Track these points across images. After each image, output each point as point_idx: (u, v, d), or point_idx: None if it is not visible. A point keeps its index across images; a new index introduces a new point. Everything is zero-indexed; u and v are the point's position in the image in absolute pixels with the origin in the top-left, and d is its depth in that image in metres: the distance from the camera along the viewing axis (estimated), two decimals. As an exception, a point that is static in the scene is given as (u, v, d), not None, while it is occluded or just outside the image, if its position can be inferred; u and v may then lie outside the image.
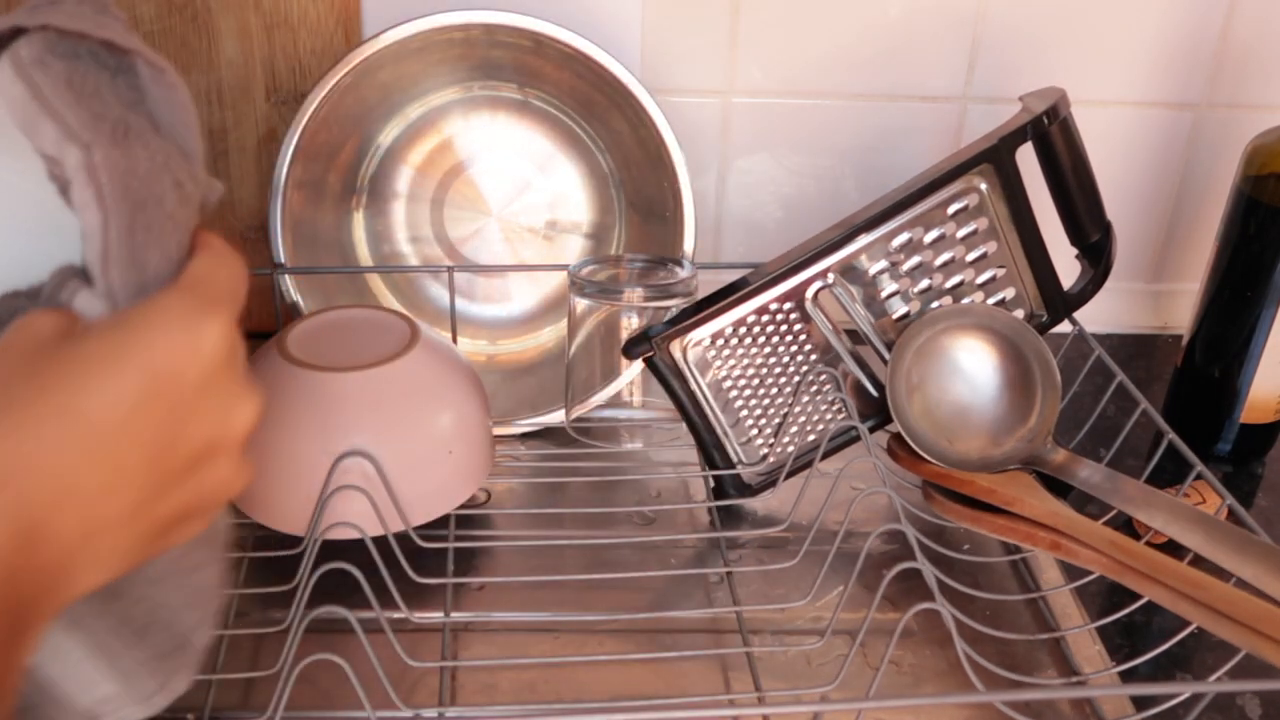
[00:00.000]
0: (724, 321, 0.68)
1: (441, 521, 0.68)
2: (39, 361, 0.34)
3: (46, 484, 0.32)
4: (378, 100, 0.77)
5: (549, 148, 0.82)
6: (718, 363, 0.69)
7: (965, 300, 0.70)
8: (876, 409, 0.70)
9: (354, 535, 0.58)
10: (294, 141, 0.73)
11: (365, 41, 0.72)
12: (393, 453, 0.60)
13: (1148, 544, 0.60)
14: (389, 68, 0.74)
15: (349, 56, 0.71)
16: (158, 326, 0.35)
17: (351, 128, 0.78)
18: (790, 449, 0.70)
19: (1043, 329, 0.71)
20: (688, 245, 0.76)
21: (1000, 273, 0.70)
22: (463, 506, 0.65)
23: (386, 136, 0.80)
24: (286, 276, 0.74)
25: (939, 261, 0.69)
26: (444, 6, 0.71)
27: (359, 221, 0.82)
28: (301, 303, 0.75)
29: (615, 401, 0.78)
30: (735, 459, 0.70)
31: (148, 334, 0.35)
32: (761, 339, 0.69)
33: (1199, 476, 0.64)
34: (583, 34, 0.72)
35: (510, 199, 0.82)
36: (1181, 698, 0.55)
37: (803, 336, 0.69)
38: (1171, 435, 0.66)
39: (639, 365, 0.72)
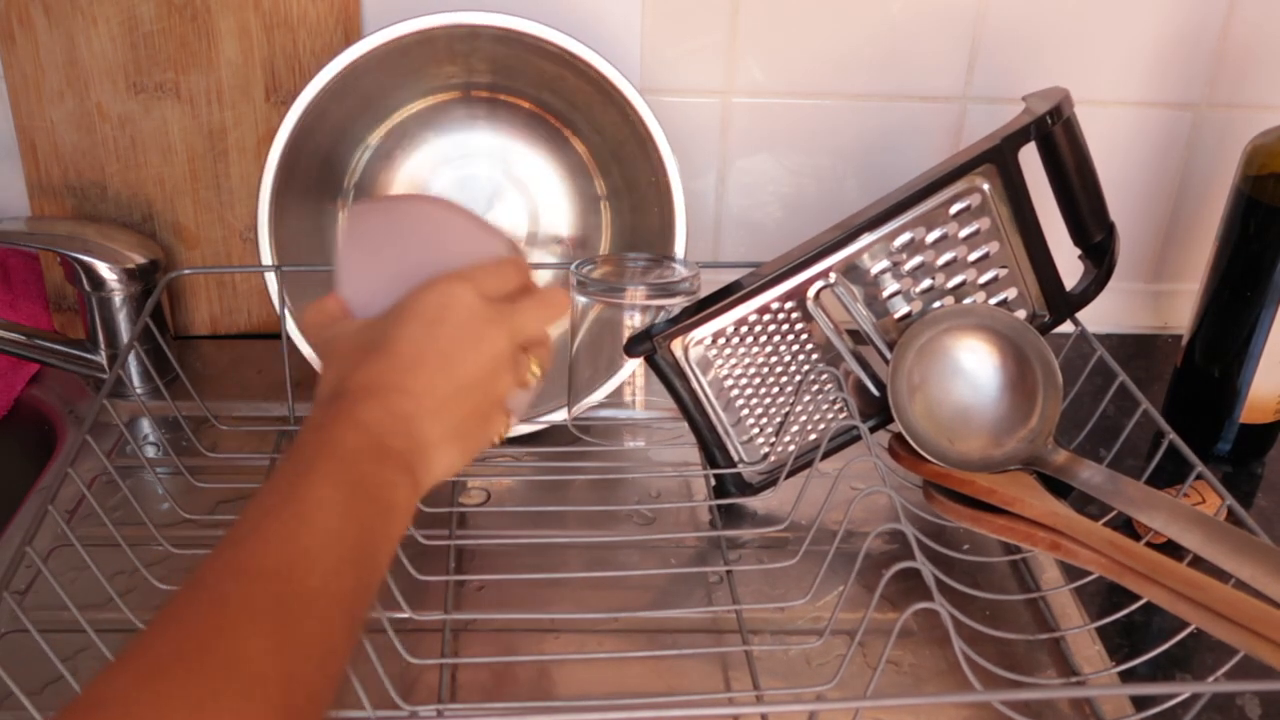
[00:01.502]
0: (726, 320, 0.68)
1: (442, 520, 0.68)
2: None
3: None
4: (367, 102, 0.77)
5: (540, 150, 0.81)
6: (719, 361, 0.69)
7: (967, 300, 0.70)
8: (878, 408, 0.70)
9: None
10: (282, 143, 0.72)
11: (358, 42, 0.72)
12: None
13: (1147, 545, 0.60)
14: (379, 69, 0.74)
15: (340, 56, 0.70)
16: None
17: (340, 129, 0.78)
18: (791, 448, 0.70)
19: (1045, 329, 0.71)
20: (679, 246, 0.76)
21: (1002, 273, 0.70)
22: (463, 506, 0.65)
23: (374, 137, 0.80)
24: (272, 278, 0.74)
25: (941, 261, 0.69)
26: (443, 7, 0.71)
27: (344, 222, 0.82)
28: (289, 303, 0.74)
29: (616, 400, 0.78)
30: (736, 458, 0.70)
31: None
32: (763, 338, 0.69)
33: (1199, 476, 0.64)
34: (583, 34, 0.72)
35: (494, 200, 0.82)
36: (1181, 698, 0.55)
37: (804, 336, 0.69)
38: (1172, 435, 0.66)
39: (640, 364, 0.72)
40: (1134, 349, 0.91)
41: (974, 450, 0.67)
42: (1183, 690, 0.55)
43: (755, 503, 0.73)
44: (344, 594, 0.40)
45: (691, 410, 0.69)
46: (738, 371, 0.69)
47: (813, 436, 0.71)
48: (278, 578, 0.38)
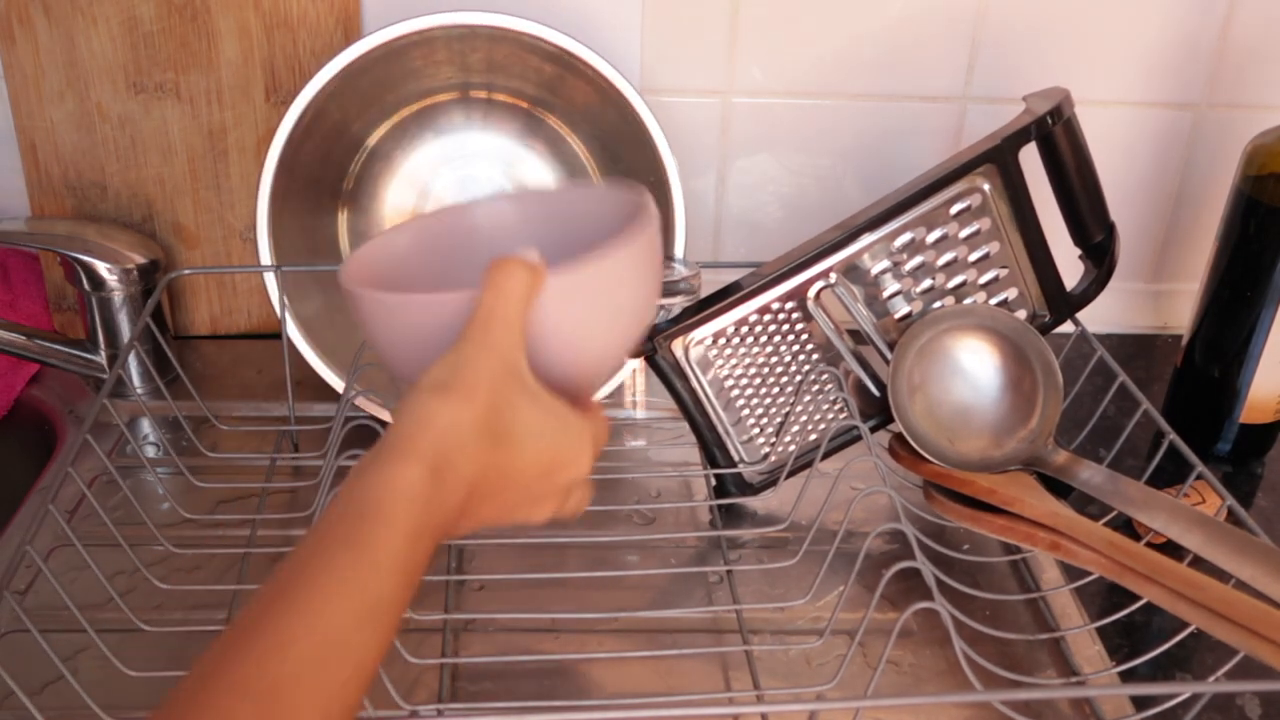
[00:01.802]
0: (726, 320, 0.68)
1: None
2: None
3: (452, 438, 0.42)
4: (366, 102, 0.77)
5: (539, 150, 0.81)
6: (719, 361, 0.69)
7: (968, 300, 0.70)
8: (878, 409, 0.70)
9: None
10: (281, 143, 0.72)
11: (357, 42, 0.72)
12: None
13: (1147, 545, 0.60)
14: (378, 69, 0.74)
15: (339, 56, 0.70)
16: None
17: (339, 129, 0.78)
18: (792, 448, 0.70)
19: (1045, 329, 0.71)
20: (678, 246, 0.76)
21: (1003, 273, 0.70)
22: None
23: (373, 138, 0.80)
24: (271, 277, 0.74)
25: (941, 261, 0.69)
26: (442, 7, 0.71)
27: (343, 222, 0.82)
28: (289, 303, 0.74)
29: (616, 400, 0.78)
30: (737, 458, 0.70)
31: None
32: (763, 338, 0.69)
33: (1199, 477, 0.64)
34: (582, 34, 0.72)
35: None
36: (1181, 698, 0.55)
37: (805, 336, 0.69)
38: (1172, 435, 0.66)
39: (641, 363, 0.72)
40: (1134, 349, 0.91)
41: (974, 450, 0.67)
42: (1183, 690, 0.55)
43: (755, 503, 0.73)
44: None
45: (692, 410, 0.69)
46: (738, 371, 0.69)
47: (813, 436, 0.71)
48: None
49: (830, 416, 0.71)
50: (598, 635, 0.64)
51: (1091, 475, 0.64)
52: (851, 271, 0.69)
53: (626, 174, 0.80)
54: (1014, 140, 0.67)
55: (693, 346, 0.68)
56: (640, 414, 0.80)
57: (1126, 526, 0.66)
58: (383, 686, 0.52)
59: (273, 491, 0.72)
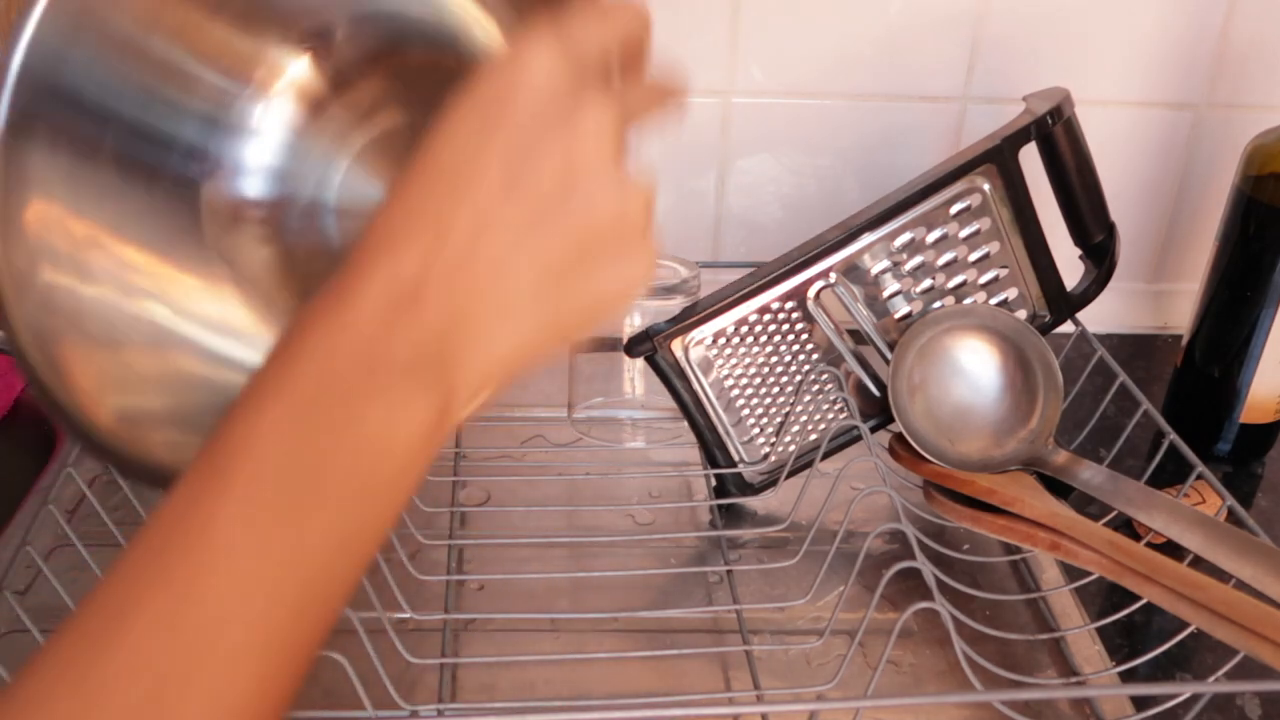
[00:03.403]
0: (726, 320, 0.68)
1: (442, 520, 0.68)
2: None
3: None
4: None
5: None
6: (719, 361, 0.69)
7: (968, 300, 0.70)
8: (878, 409, 0.70)
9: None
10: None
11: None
12: None
13: (1148, 545, 0.60)
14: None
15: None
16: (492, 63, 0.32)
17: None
18: (792, 448, 0.70)
19: (1045, 329, 0.71)
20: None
21: (1003, 273, 0.70)
22: (463, 506, 0.65)
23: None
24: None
25: (941, 261, 0.69)
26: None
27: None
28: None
29: (617, 400, 0.78)
30: (737, 458, 0.70)
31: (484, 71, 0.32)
32: (763, 338, 0.69)
33: (1199, 477, 0.64)
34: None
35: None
36: (1181, 698, 0.55)
37: (804, 336, 0.69)
38: (1172, 436, 0.66)
39: (641, 364, 0.72)
40: (1134, 349, 0.91)
41: (974, 451, 0.67)
42: (1183, 690, 0.55)
43: (755, 503, 0.73)
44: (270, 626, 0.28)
45: (692, 410, 0.69)
46: (738, 371, 0.69)
47: (813, 436, 0.71)
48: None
49: (830, 416, 0.71)
50: (598, 635, 0.64)
51: (1091, 475, 0.64)
52: (851, 271, 0.69)
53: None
54: (1014, 140, 0.67)
55: (692, 346, 0.68)
56: (640, 414, 0.80)
57: (1126, 526, 0.66)
58: (383, 686, 0.52)
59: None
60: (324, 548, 0.29)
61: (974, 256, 0.69)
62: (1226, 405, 0.77)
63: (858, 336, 0.70)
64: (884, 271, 0.69)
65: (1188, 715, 0.54)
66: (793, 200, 0.88)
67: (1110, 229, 0.72)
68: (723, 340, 0.68)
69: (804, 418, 0.70)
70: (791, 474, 0.70)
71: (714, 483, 0.72)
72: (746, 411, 0.70)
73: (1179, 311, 0.93)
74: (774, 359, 0.69)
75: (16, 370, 0.81)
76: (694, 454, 0.73)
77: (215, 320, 0.46)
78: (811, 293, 0.69)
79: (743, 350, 0.69)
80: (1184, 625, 0.55)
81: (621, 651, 0.63)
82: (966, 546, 0.70)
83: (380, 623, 0.54)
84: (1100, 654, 0.62)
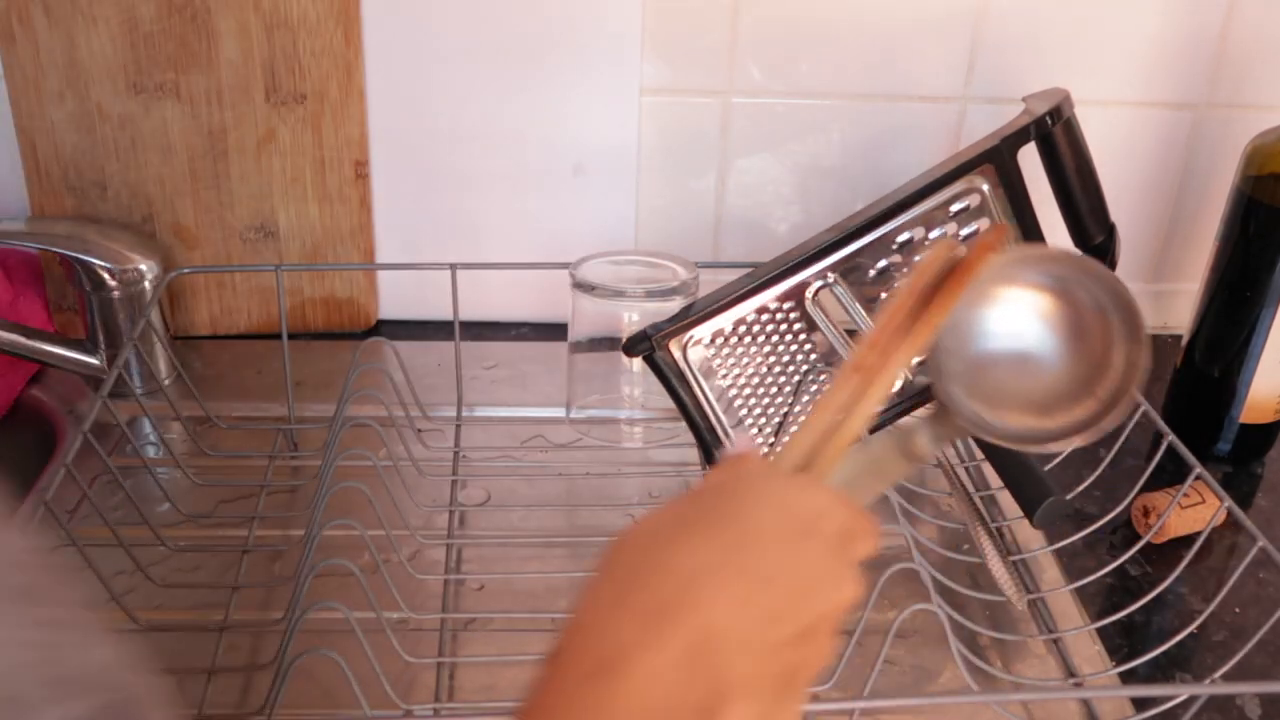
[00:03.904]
0: (724, 320, 0.68)
1: (442, 520, 0.68)
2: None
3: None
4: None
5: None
6: (718, 361, 0.69)
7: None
8: (876, 409, 0.70)
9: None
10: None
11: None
12: None
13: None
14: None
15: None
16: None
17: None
18: (790, 448, 0.70)
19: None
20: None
21: (1000, 273, 0.70)
22: (463, 505, 0.65)
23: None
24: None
25: (939, 261, 0.69)
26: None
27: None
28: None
29: (615, 400, 0.78)
30: (735, 458, 0.70)
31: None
32: (762, 338, 0.69)
33: (1198, 477, 0.64)
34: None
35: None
36: (1181, 698, 0.55)
37: (803, 336, 0.69)
38: (1171, 437, 0.66)
39: (639, 364, 0.72)
40: (1134, 349, 0.90)
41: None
42: (1182, 691, 0.55)
43: (755, 503, 0.72)
44: None
45: (690, 410, 0.69)
46: (736, 371, 0.69)
47: (812, 436, 0.71)
48: None
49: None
50: (597, 635, 0.64)
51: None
52: (850, 271, 0.68)
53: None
54: (1013, 140, 0.67)
55: (691, 346, 0.68)
56: (640, 414, 0.80)
57: (1127, 526, 0.66)
58: (380, 686, 0.52)
59: (272, 491, 0.72)
60: None
61: (973, 256, 0.69)
62: (1226, 405, 0.77)
63: (856, 336, 0.70)
64: (883, 271, 0.69)
65: (1187, 716, 0.54)
66: (792, 200, 0.88)
67: (1110, 230, 0.72)
68: (721, 340, 0.68)
69: (803, 417, 0.70)
70: (791, 474, 0.70)
71: (713, 483, 0.71)
72: (745, 411, 0.70)
73: (1179, 311, 0.93)
74: (772, 359, 0.69)
75: (16, 370, 0.82)
76: (693, 454, 0.73)
77: None
78: (810, 293, 0.68)
79: (741, 350, 0.69)
80: (1184, 625, 0.55)
81: (620, 651, 0.63)
82: (965, 546, 0.70)
83: (379, 623, 0.55)
84: (1100, 654, 0.62)
